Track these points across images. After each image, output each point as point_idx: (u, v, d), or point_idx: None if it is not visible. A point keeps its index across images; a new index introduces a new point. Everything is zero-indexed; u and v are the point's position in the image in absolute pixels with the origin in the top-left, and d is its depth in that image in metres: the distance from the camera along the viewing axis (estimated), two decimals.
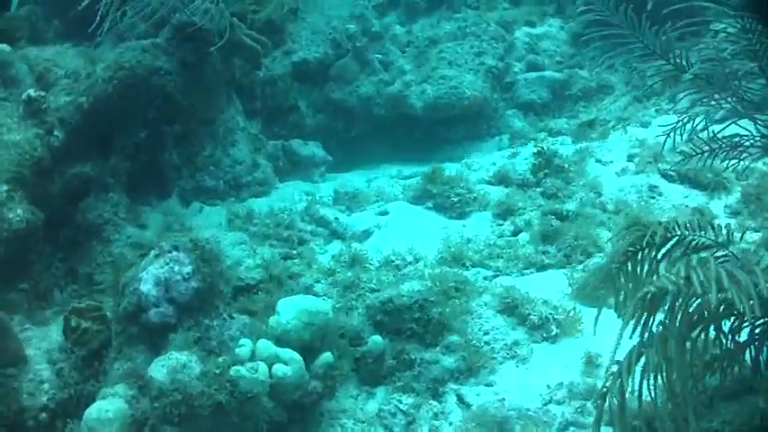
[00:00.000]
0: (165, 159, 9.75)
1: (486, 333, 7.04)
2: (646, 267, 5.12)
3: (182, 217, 9.65)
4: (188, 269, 6.26)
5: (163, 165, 9.77)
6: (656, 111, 11.57)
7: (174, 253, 6.30)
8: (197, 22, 9.50)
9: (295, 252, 8.47)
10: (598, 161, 9.75)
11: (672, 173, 9.10)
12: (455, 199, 8.83)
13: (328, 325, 6.20)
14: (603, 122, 11.58)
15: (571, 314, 6.94)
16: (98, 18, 8.80)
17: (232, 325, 6.36)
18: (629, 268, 5.10)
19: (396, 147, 11.81)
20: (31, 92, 8.38)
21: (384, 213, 9.03)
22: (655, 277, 4.74)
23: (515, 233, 8.46)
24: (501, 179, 9.41)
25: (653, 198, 8.91)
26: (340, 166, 11.51)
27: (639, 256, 5.16)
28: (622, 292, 5.03)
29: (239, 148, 10.32)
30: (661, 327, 4.08)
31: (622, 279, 5.06)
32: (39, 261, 8.74)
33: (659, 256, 5.14)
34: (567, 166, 9.23)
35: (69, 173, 9.05)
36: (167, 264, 6.28)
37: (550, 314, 6.99)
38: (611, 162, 9.77)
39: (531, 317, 7.00)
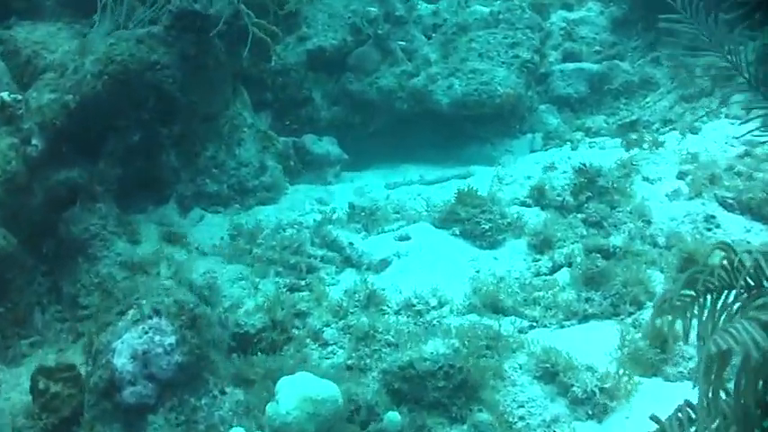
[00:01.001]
0: (162, 162, 8.56)
1: (522, 406, 5.89)
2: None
3: (180, 227, 8.50)
4: (171, 340, 5.14)
5: (160, 168, 8.60)
6: (706, 114, 10.22)
7: (155, 320, 5.15)
8: (199, 10, 8.17)
9: (303, 282, 7.31)
10: (645, 179, 8.51)
11: (731, 200, 7.81)
12: (486, 226, 7.64)
13: (336, 414, 5.03)
14: (647, 124, 10.30)
15: (621, 384, 5.75)
16: None
17: (224, 403, 5.25)
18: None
19: (418, 142, 10.54)
20: (5, 95, 7.15)
21: (405, 239, 7.85)
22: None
23: (554, 270, 7.25)
24: (537, 198, 8.19)
25: (709, 230, 7.69)
26: (357, 164, 10.34)
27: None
28: None
29: (246, 147, 9.12)
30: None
31: None
32: (19, 276, 7.67)
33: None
34: (611, 185, 7.95)
35: (53, 179, 7.90)
36: (146, 333, 5.14)
37: (596, 386, 5.79)
38: (660, 180, 8.54)
39: (574, 388, 5.82)
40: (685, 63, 10.88)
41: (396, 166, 10.32)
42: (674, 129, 10.16)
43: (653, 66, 11.22)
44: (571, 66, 10.98)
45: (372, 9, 10.22)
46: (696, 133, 9.87)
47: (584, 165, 8.14)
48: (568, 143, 10.32)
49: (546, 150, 10.30)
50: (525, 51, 10.10)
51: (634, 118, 10.38)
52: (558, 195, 8.13)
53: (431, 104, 9.89)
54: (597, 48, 11.42)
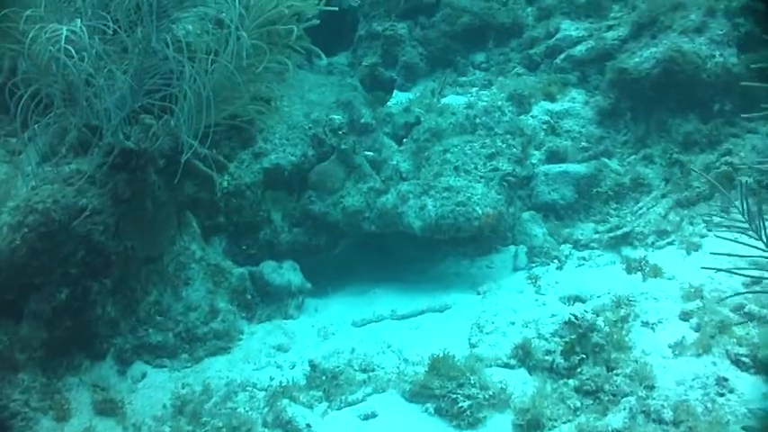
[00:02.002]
0: (97, 315, 7.33)
1: None
2: None
3: (118, 391, 7.32)
4: None
5: (94, 322, 7.36)
6: (704, 223, 9.10)
7: None
8: (132, 147, 7.01)
9: None
10: (644, 323, 7.37)
11: (745, 357, 6.67)
12: (463, 403, 6.44)
13: None
14: (641, 236, 9.10)
15: None
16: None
17: None
18: None
19: (389, 262, 9.38)
20: None
21: (371, 416, 6.65)
22: None
23: None
24: (522, 359, 6.99)
25: (722, 395, 6.52)
26: (323, 289, 9.10)
27: None
28: None
29: (194, 287, 7.97)
30: None
31: None
32: None
33: None
34: (606, 340, 6.80)
35: None
36: None
37: None
38: (661, 323, 7.43)
39: None
40: (680, 161, 9.78)
41: (365, 291, 9.19)
42: (671, 243, 9.01)
43: (644, 164, 10.10)
44: (556, 168, 9.85)
45: (336, 117, 9.07)
46: (696, 250, 8.73)
47: (576, 317, 7.00)
48: (555, 260, 9.15)
49: (531, 269, 9.11)
50: (505, 162, 8.96)
51: (627, 230, 9.25)
52: (547, 354, 6.97)
53: (402, 227, 8.72)
54: (584, 143, 10.29)
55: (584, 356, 6.83)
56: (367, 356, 7.52)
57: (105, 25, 7.15)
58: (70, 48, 6.53)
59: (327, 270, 9.34)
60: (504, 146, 9.17)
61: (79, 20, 6.90)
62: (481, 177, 8.85)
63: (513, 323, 7.61)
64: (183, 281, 8.03)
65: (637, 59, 10.21)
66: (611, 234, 9.33)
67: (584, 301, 8.18)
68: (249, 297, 8.56)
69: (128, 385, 7.50)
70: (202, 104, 7.16)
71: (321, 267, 9.29)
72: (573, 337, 6.95)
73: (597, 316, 7.60)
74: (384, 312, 8.56)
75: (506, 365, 7.12)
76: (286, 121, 9.02)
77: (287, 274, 8.80)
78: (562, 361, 6.88)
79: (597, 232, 9.59)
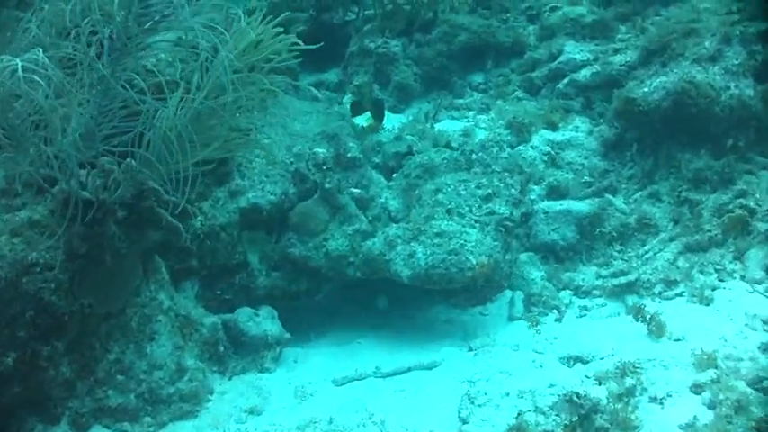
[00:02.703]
0: (50, 377, 6.55)
1: None
2: None
3: None
4: None
5: (47, 384, 6.59)
6: (716, 273, 8.33)
7: None
8: (89, 197, 6.23)
9: None
10: (653, 399, 6.58)
11: None
12: None
13: None
14: (647, 285, 8.33)
15: None
16: None
17: None
18: None
19: (375, 310, 8.61)
20: None
21: None
22: None
23: None
24: None
25: None
26: (303, 338, 8.32)
27: None
28: None
29: (160, 343, 7.21)
30: None
31: None
32: None
33: None
34: (611, 423, 6.02)
35: None
36: None
37: None
38: (671, 397, 6.67)
39: None
40: (689, 200, 9.00)
41: (348, 341, 8.41)
42: (680, 295, 8.25)
43: (651, 202, 9.32)
44: (557, 206, 9.09)
45: (320, 151, 8.28)
46: (708, 304, 7.98)
47: (578, 395, 6.20)
48: (554, 310, 8.38)
49: (527, 319, 8.34)
50: (503, 205, 8.16)
51: (632, 278, 8.44)
52: None
53: (389, 275, 7.93)
54: (586, 177, 9.52)
55: None
56: (346, 428, 6.71)
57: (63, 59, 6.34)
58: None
59: (309, 317, 8.56)
60: (501, 185, 8.37)
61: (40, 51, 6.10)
62: (476, 222, 8.07)
63: (508, 394, 6.84)
64: (147, 336, 7.26)
65: (646, 89, 9.42)
66: (616, 282, 8.53)
67: (585, 363, 7.46)
68: (222, 349, 7.81)
69: None
70: (172, 147, 6.37)
71: (302, 314, 8.50)
72: (574, 419, 6.16)
73: (600, 384, 6.84)
74: (367, 369, 7.78)
75: None
76: (265, 156, 8.17)
77: (264, 322, 8.03)
78: None
79: (600, 277, 8.83)
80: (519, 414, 6.59)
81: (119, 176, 6.41)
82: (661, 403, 6.71)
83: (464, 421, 6.60)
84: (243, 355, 8.03)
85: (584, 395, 6.28)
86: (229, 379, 7.87)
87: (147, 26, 6.42)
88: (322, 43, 7.48)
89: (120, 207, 6.52)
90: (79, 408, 7.00)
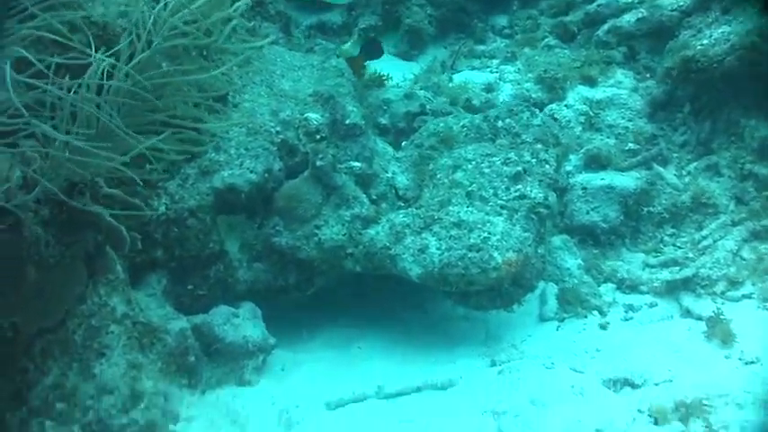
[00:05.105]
0: None
1: None
2: None
3: None
4: None
5: None
6: None
7: None
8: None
9: None
10: None
11: None
12: None
13: None
14: (707, 282, 6.61)
15: None
16: None
17: None
18: None
19: (378, 308, 6.94)
20: None
21: None
22: None
23: None
24: None
25: None
26: (293, 341, 6.68)
27: None
28: None
29: (112, 361, 5.61)
30: None
31: None
32: None
33: None
34: None
35: None
36: None
37: None
38: None
39: None
40: (755, 175, 7.22)
41: (345, 345, 6.77)
42: (748, 297, 6.53)
43: (709, 176, 7.51)
44: (597, 181, 7.35)
45: (313, 116, 6.52)
46: None
47: None
48: (595, 312, 6.67)
49: (561, 323, 6.66)
50: (536, 187, 6.40)
51: (689, 273, 6.71)
52: None
53: (395, 271, 6.22)
54: (631, 144, 7.70)
55: None
56: None
57: None
58: None
59: (300, 318, 6.88)
60: (533, 161, 6.60)
61: None
62: (502, 208, 6.33)
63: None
64: (95, 352, 5.63)
65: (705, 42, 7.51)
66: (668, 276, 6.80)
67: (635, 387, 5.80)
68: (192, 359, 6.17)
69: None
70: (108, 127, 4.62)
71: (291, 310, 6.81)
72: None
73: (656, 423, 5.20)
74: (367, 387, 6.11)
75: None
76: (245, 123, 6.39)
77: (243, 325, 6.39)
78: None
79: (648, 266, 7.09)
80: None
81: (39, 168, 4.63)
82: None
83: None
84: (219, 364, 6.39)
85: None
86: (202, 394, 6.22)
87: None
88: None
89: (45, 204, 4.73)
90: None
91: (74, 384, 5.60)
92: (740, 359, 5.91)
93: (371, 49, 8.06)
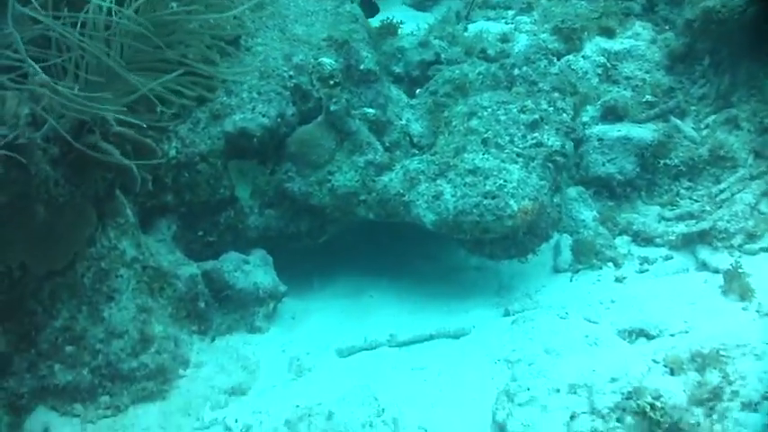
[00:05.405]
0: None
1: None
2: None
3: None
4: None
5: None
6: None
7: None
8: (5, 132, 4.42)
9: None
10: (745, 405, 4.77)
11: None
12: None
13: None
14: (724, 235, 6.47)
15: None
16: None
17: None
18: None
19: (391, 256, 6.83)
20: None
21: None
22: None
23: None
24: None
25: None
26: (303, 290, 6.59)
27: None
28: None
29: (121, 304, 5.52)
30: None
31: None
32: None
33: None
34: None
35: None
36: None
37: None
38: None
39: None
40: None
41: (357, 293, 6.68)
42: (766, 250, 6.39)
43: (728, 129, 7.33)
44: (614, 132, 7.19)
45: (327, 61, 6.36)
46: None
47: (653, 405, 4.42)
48: (610, 263, 6.55)
49: (576, 274, 6.54)
50: (552, 135, 6.25)
51: (705, 226, 6.56)
52: None
53: (408, 218, 6.10)
54: (648, 97, 7.53)
55: None
56: (349, 428, 4.99)
57: None
58: None
59: (311, 266, 6.78)
60: (550, 109, 6.46)
61: None
62: (518, 155, 6.20)
63: (558, 390, 5.02)
64: (105, 295, 5.55)
65: None
66: (685, 229, 6.66)
67: (650, 338, 5.66)
68: (202, 305, 6.08)
69: None
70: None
71: (302, 258, 6.71)
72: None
73: (672, 374, 5.08)
74: (379, 335, 6.02)
75: None
76: (258, 67, 6.25)
77: (254, 272, 6.29)
78: None
79: (663, 219, 6.94)
80: (572, 417, 4.82)
81: (49, 104, 4.50)
82: (756, 410, 4.88)
83: (501, 428, 4.83)
84: (229, 311, 6.32)
85: (662, 408, 4.46)
86: (212, 341, 6.15)
87: None
88: None
89: (54, 143, 4.61)
90: (17, 388, 5.31)
91: (83, 328, 5.54)
92: (758, 311, 5.77)
93: (367, 7, 7.91)
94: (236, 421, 5.34)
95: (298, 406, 5.30)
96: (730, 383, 5.02)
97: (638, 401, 4.68)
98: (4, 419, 5.34)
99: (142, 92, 4.76)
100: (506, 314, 6.25)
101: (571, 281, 6.60)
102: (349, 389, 5.42)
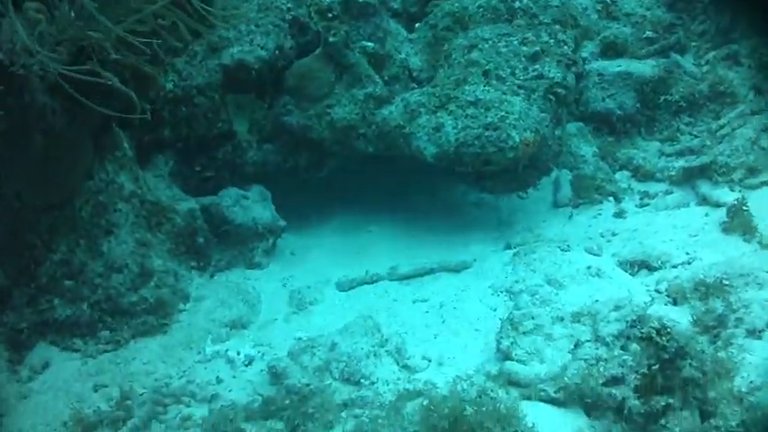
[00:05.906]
0: None
1: None
2: None
3: (2, 397, 4.84)
4: None
5: None
6: None
7: None
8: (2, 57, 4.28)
9: None
10: (750, 332, 4.71)
11: None
12: None
13: None
14: (724, 170, 6.39)
15: None
16: None
17: None
18: None
19: (391, 190, 6.74)
20: None
21: None
22: None
23: None
24: (574, 393, 4.41)
25: None
26: (302, 224, 6.50)
27: None
28: None
29: (120, 239, 5.42)
30: None
31: None
32: None
33: None
34: (701, 375, 4.23)
35: None
36: None
37: None
38: None
39: None
40: None
41: (357, 229, 6.59)
42: (767, 184, 6.33)
43: (728, 65, 7.22)
44: (614, 67, 7.10)
45: None
46: None
47: (659, 330, 4.35)
48: (610, 198, 6.49)
49: (576, 209, 6.47)
50: (554, 67, 6.14)
51: (706, 160, 6.48)
52: (614, 385, 4.38)
53: (408, 151, 6.00)
54: (649, 33, 7.41)
55: (669, 401, 4.22)
56: (353, 358, 4.94)
57: None
58: None
59: (310, 201, 6.68)
60: (551, 42, 6.33)
61: None
62: (520, 87, 6.08)
63: (562, 319, 4.96)
64: (103, 229, 5.45)
65: None
66: (685, 164, 6.59)
67: (652, 270, 5.60)
68: (201, 241, 5.98)
69: (17, 388, 4.96)
70: None
71: (302, 195, 6.62)
72: (654, 364, 4.33)
73: (675, 303, 5.04)
74: (380, 268, 5.95)
75: (552, 400, 4.53)
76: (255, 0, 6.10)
77: (253, 207, 6.20)
78: (638, 404, 4.29)
79: (663, 155, 6.86)
80: (576, 345, 4.78)
81: (47, 29, 4.35)
82: (760, 337, 4.84)
83: (506, 355, 4.78)
84: (228, 246, 6.23)
85: (668, 333, 4.41)
86: (211, 276, 6.06)
87: None
88: None
89: (50, 69, 4.46)
90: (16, 323, 5.24)
91: (82, 262, 5.45)
92: (759, 243, 5.71)
93: None
94: (239, 354, 5.26)
95: (300, 338, 5.21)
96: (734, 311, 4.96)
97: (643, 328, 4.61)
98: (4, 355, 5.26)
99: (138, 17, 4.60)
100: (507, 247, 6.17)
101: (572, 215, 6.50)
102: (351, 321, 5.35)
